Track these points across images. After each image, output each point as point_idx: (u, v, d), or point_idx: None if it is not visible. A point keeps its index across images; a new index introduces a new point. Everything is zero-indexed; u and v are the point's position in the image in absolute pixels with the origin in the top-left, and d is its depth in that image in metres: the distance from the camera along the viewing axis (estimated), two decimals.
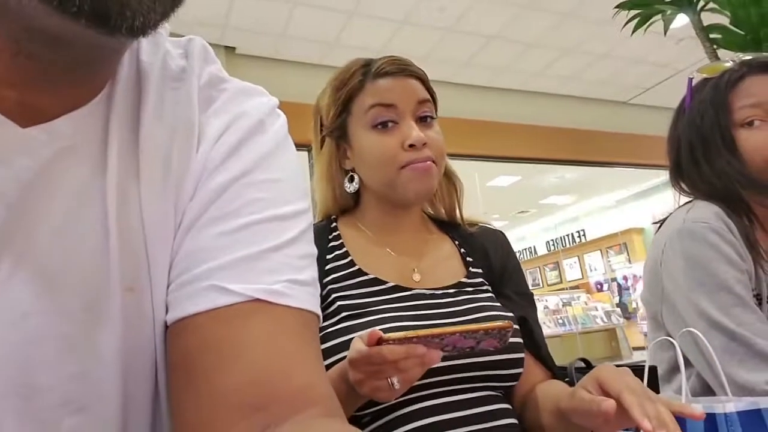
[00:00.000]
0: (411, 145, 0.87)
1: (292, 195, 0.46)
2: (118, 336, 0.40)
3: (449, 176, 1.01)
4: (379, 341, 0.63)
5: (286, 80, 3.48)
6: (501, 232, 1.04)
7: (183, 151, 0.44)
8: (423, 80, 0.93)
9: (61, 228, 0.39)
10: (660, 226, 1.07)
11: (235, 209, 0.43)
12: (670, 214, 1.07)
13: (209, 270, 0.40)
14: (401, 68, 0.91)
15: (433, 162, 0.89)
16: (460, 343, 0.66)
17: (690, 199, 1.07)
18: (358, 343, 0.65)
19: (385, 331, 0.75)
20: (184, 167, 0.44)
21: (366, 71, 0.91)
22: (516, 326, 0.87)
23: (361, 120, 0.90)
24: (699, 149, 1.04)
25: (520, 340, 0.87)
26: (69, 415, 0.38)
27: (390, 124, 0.88)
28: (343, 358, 0.73)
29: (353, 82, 0.91)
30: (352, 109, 0.92)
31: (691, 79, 1.10)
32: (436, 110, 0.97)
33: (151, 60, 0.46)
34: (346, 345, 0.76)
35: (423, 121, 0.91)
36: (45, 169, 0.38)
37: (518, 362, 0.85)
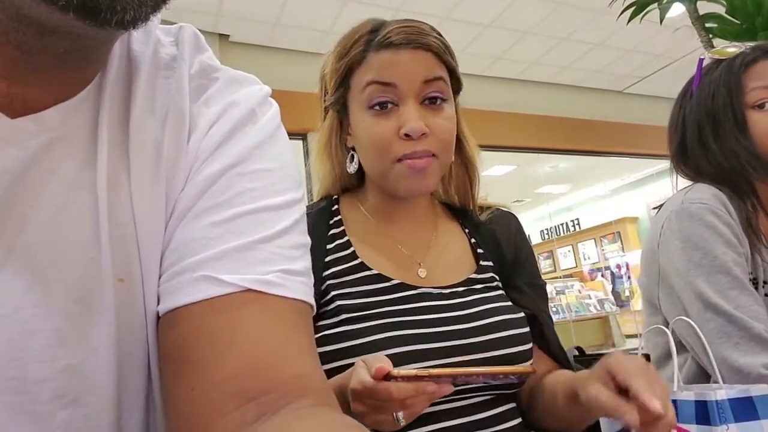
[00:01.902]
0: (407, 135, 0.76)
1: (284, 185, 0.45)
2: (111, 327, 0.40)
3: (467, 164, 0.91)
4: (387, 376, 0.57)
5: (280, 68, 3.45)
6: (514, 216, 0.95)
7: (174, 141, 0.43)
8: (438, 52, 0.79)
9: (52, 220, 0.38)
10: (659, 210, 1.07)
11: (226, 199, 0.42)
12: (669, 198, 1.06)
13: (201, 260, 0.40)
14: (409, 38, 0.77)
15: (435, 155, 0.78)
16: (474, 381, 0.62)
17: (692, 183, 1.06)
18: (363, 373, 0.59)
19: (387, 341, 0.71)
20: (175, 157, 0.43)
21: (370, 39, 0.79)
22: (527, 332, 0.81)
23: (359, 98, 0.80)
24: (708, 129, 1.04)
25: (529, 346, 0.81)
26: (62, 408, 0.38)
27: (389, 106, 0.77)
28: (343, 366, 0.69)
29: (354, 51, 0.79)
30: (352, 84, 0.81)
31: (701, 60, 1.09)
32: (456, 86, 0.85)
33: (142, 49, 0.45)
34: (346, 352, 0.72)
35: (432, 102, 0.79)
36: (34, 160, 0.38)
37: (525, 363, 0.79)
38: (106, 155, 0.41)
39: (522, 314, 0.83)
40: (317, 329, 0.75)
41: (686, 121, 1.08)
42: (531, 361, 0.80)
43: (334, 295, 0.77)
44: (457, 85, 0.85)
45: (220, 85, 0.48)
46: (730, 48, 1.07)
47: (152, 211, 0.42)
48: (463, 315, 0.78)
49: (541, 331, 0.85)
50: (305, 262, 0.45)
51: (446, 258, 0.86)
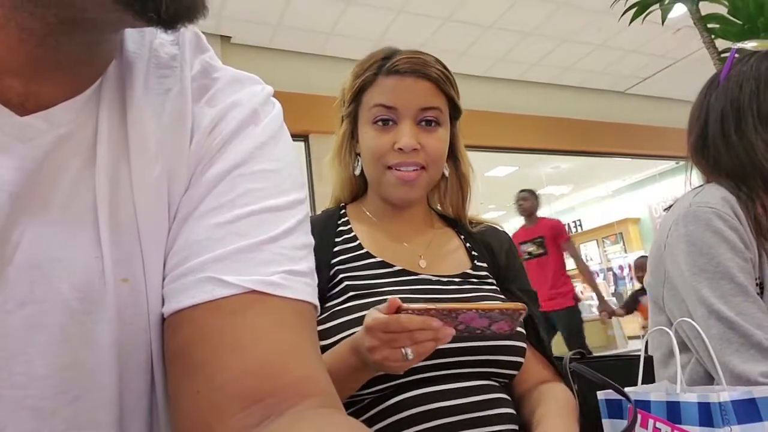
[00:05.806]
0: (400, 149, 0.89)
1: (288, 185, 0.45)
2: (114, 327, 0.40)
3: (461, 180, 1.02)
4: (398, 310, 0.66)
5: (281, 70, 3.47)
6: (506, 232, 1.05)
7: (176, 142, 0.43)
8: (438, 83, 0.91)
9: (58, 217, 0.39)
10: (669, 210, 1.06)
11: (230, 200, 0.42)
12: (679, 199, 1.05)
13: (205, 262, 0.40)
14: (413, 68, 0.89)
15: (424, 167, 0.90)
16: (474, 323, 0.68)
17: (702, 184, 1.05)
18: (376, 312, 0.68)
19: None
20: (178, 158, 0.43)
21: (382, 65, 0.92)
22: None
23: (366, 114, 0.93)
24: (731, 120, 1.02)
25: (522, 330, 0.88)
26: (65, 405, 0.38)
27: (390, 123, 0.91)
28: (351, 335, 0.74)
29: (367, 74, 0.93)
30: (363, 100, 0.94)
31: (735, 50, 1.08)
32: (453, 111, 0.96)
33: (136, 49, 0.45)
34: (353, 323, 0.79)
35: (427, 124, 0.91)
36: (46, 157, 0.38)
37: (518, 351, 0.85)
38: (106, 153, 0.41)
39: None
40: (326, 308, 0.85)
41: (710, 109, 1.06)
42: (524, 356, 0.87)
43: (342, 277, 0.87)
44: (456, 113, 0.98)
45: (222, 84, 0.48)
46: (751, 42, 1.06)
47: (154, 211, 0.42)
48: (460, 297, 0.87)
49: (536, 334, 0.93)
50: (309, 263, 0.45)
51: (444, 254, 0.96)
